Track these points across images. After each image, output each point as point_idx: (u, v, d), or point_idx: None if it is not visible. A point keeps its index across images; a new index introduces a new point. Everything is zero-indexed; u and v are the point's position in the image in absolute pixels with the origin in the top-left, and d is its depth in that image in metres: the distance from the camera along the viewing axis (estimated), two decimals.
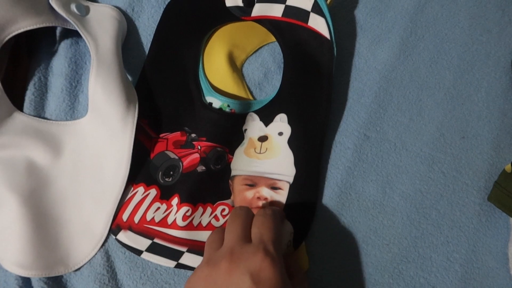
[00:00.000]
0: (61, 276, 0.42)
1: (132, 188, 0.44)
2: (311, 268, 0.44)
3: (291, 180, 0.44)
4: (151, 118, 0.45)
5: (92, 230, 0.43)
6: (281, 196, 0.44)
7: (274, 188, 0.44)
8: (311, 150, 0.45)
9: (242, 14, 0.48)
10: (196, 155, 0.44)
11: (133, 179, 0.44)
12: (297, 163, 0.44)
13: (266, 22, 0.48)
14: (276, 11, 0.48)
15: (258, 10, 0.48)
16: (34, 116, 0.45)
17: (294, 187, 0.44)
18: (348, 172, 0.46)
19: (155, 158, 0.44)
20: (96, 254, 0.43)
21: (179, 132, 0.45)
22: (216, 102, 0.46)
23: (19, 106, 0.45)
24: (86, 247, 0.42)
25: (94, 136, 0.44)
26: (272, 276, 0.32)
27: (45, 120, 0.45)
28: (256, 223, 0.37)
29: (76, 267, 0.42)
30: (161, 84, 0.46)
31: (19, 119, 0.44)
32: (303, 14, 0.47)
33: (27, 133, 0.43)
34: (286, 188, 0.44)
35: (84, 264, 0.42)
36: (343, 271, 0.44)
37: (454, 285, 0.44)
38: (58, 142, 0.44)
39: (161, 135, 0.45)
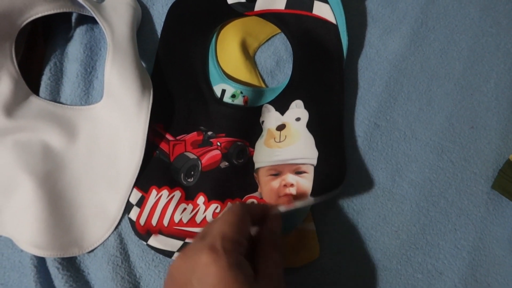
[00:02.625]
0: (75, 257, 0.43)
1: (156, 193, 0.44)
2: (321, 255, 0.44)
3: (314, 162, 0.44)
4: (165, 122, 0.46)
5: (106, 213, 0.43)
6: (307, 180, 0.43)
7: (298, 172, 0.44)
8: (331, 130, 0.45)
9: (245, 10, 0.48)
10: (216, 152, 0.45)
11: (156, 183, 0.44)
12: (318, 145, 0.44)
13: (270, 16, 0.48)
14: (279, 3, 0.48)
15: (261, 4, 0.48)
16: (50, 100, 0.45)
17: (319, 168, 0.44)
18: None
19: (175, 161, 0.45)
20: (109, 236, 0.43)
21: (195, 132, 0.45)
22: (229, 89, 0.46)
23: (35, 90, 0.45)
24: (100, 230, 0.43)
25: (108, 121, 0.45)
26: (214, 272, 0.30)
27: (61, 105, 0.45)
28: (218, 217, 0.35)
29: (90, 249, 0.43)
30: (171, 86, 0.47)
31: (35, 103, 0.44)
32: (307, 3, 0.48)
33: (43, 116, 0.44)
34: (311, 171, 0.44)
35: (98, 246, 0.43)
36: (352, 257, 0.45)
37: (461, 272, 0.45)
38: (73, 126, 0.44)
39: (178, 137, 0.45)
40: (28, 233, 0.41)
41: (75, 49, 0.47)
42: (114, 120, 0.44)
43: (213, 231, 0.33)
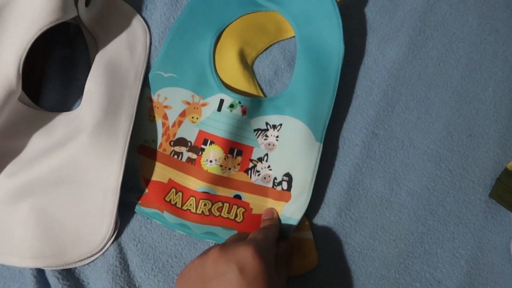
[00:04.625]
0: (75, 268, 0.43)
1: None
2: (319, 264, 0.44)
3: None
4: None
5: (100, 223, 0.43)
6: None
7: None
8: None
9: None
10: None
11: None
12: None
13: None
14: None
15: None
16: (49, 110, 0.45)
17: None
18: (356, 169, 0.47)
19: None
20: (109, 246, 0.43)
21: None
22: (228, 98, 0.46)
23: (35, 100, 0.46)
24: (97, 238, 0.43)
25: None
26: (258, 265, 0.34)
27: (61, 113, 0.45)
28: (254, 231, 0.40)
29: (87, 258, 0.43)
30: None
31: (33, 112, 0.44)
32: None
33: (39, 126, 0.44)
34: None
35: (98, 256, 0.43)
36: (350, 266, 0.45)
37: (459, 281, 0.45)
38: (72, 135, 0.44)
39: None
40: (24, 247, 0.41)
41: (76, 58, 0.48)
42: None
43: (256, 236, 0.38)
